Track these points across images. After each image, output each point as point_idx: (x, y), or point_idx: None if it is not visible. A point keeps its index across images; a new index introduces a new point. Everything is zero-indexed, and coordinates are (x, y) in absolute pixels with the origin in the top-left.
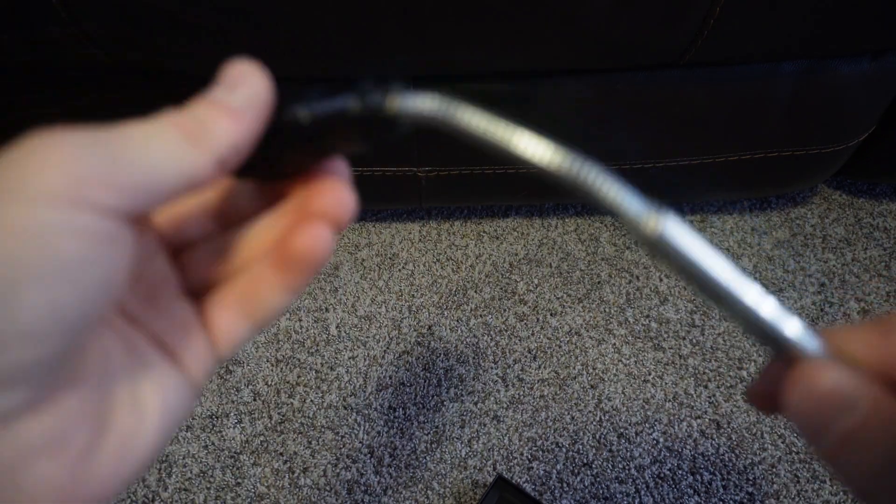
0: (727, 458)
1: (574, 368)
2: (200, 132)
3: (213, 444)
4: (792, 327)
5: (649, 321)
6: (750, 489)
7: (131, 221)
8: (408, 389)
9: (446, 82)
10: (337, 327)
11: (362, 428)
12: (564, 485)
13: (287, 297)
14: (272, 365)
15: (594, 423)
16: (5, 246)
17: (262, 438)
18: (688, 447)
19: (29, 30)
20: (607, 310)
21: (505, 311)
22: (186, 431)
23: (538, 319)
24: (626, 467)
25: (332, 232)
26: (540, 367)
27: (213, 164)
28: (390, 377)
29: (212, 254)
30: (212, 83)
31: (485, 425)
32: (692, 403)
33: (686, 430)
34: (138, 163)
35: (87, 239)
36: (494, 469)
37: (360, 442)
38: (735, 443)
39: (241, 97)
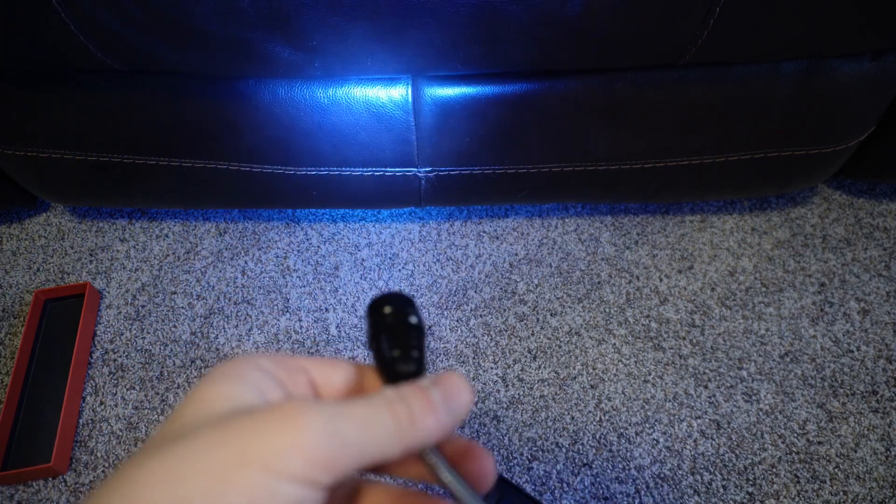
0: (727, 458)
1: (574, 368)
2: (409, 426)
3: None
4: None
5: (649, 321)
6: (750, 489)
7: (325, 487)
8: None
9: (447, 82)
10: (337, 327)
11: None
12: (564, 485)
13: None
14: None
15: (594, 423)
16: (230, 500)
17: None
18: (688, 447)
19: (29, 30)
20: (607, 310)
21: (505, 311)
22: None
23: (538, 319)
24: (626, 467)
25: None
26: (540, 367)
27: (405, 451)
28: None
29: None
30: (422, 373)
31: (485, 425)
32: (692, 403)
33: (686, 430)
34: (357, 449)
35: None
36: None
37: None
38: (735, 443)
39: (451, 407)
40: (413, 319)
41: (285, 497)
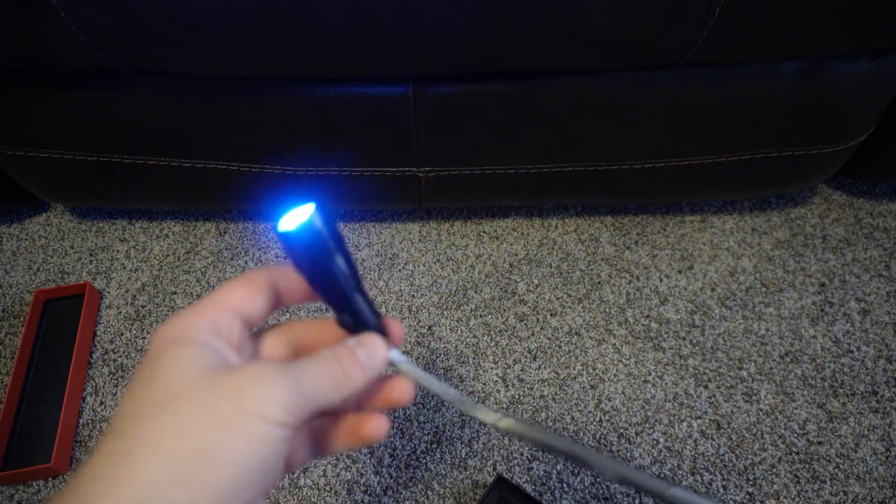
0: (727, 458)
1: (574, 368)
2: (344, 380)
3: None
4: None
5: (649, 321)
6: (750, 489)
7: (293, 427)
8: None
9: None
10: None
11: None
12: (564, 485)
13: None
14: None
15: (594, 423)
16: (237, 444)
17: None
18: (688, 447)
19: (29, 30)
20: (607, 310)
21: (505, 311)
22: None
23: (538, 319)
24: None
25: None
26: (540, 367)
27: (342, 399)
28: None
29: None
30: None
31: (485, 425)
32: (692, 403)
33: (686, 430)
34: (311, 397)
35: (277, 441)
36: (494, 469)
37: None
38: (735, 443)
39: (372, 363)
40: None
41: (272, 436)
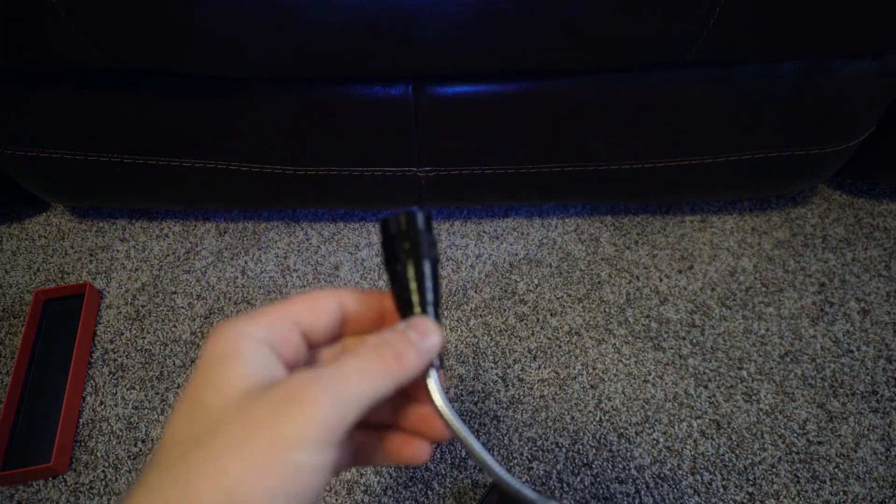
0: (727, 458)
1: (574, 368)
2: (395, 364)
3: None
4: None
5: (649, 321)
6: (750, 489)
7: (337, 444)
8: None
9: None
10: None
11: None
12: (564, 485)
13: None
14: None
15: (594, 423)
16: (267, 484)
17: None
18: (688, 447)
19: (29, 30)
20: (607, 310)
21: (505, 311)
22: None
23: (538, 319)
24: (626, 467)
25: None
26: (540, 367)
27: (396, 386)
28: None
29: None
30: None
31: (485, 425)
32: (692, 403)
33: (686, 430)
34: (357, 400)
35: (315, 473)
36: None
37: None
38: (735, 443)
39: (426, 345)
40: (426, 258)
41: (310, 465)
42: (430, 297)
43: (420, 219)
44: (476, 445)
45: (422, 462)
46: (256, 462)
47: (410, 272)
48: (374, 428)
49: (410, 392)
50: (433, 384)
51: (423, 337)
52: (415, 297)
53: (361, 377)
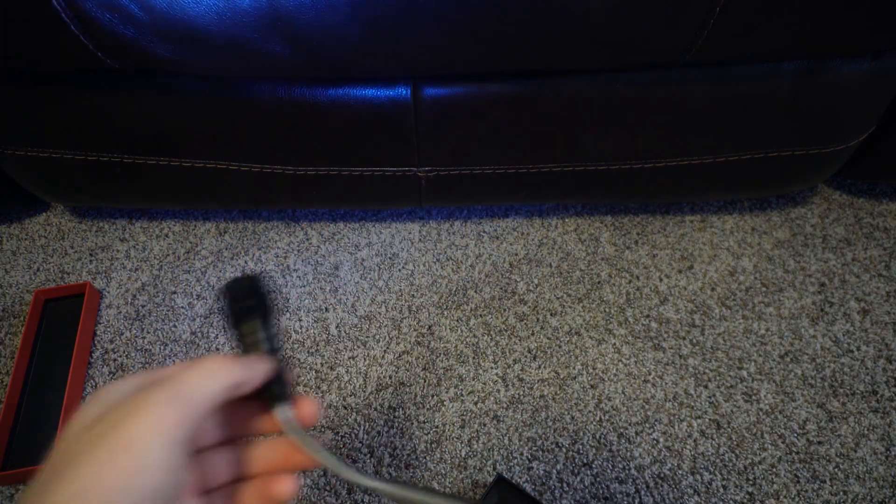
0: (727, 458)
1: (574, 368)
2: (233, 365)
3: None
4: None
5: (649, 321)
6: (750, 489)
7: (190, 446)
8: (408, 389)
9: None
10: (337, 327)
11: (362, 428)
12: (564, 485)
13: None
14: None
15: (594, 423)
16: (112, 479)
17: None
18: (688, 447)
19: (29, 30)
20: (607, 310)
21: (505, 311)
22: None
23: (538, 319)
24: (626, 467)
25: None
26: (540, 367)
27: (234, 386)
28: (390, 377)
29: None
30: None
31: (485, 425)
32: (692, 403)
33: (686, 430)
34: (197, 400)
35: (169, 470)
36: (494, 469)
37: (360, 442)
38: (735, 443)
39: (259, 362)
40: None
41: (153, 463)
42: (264, 346)
43: (251, 283)
44: (318, 449)
45: (292, 496)
46: (102, 463)
47: (245, 329)
48: (239, 480)
49: (248, 438)
50: (278, 412)
51: (253, 361)
52: (252, 349)
53: (200, 377)
